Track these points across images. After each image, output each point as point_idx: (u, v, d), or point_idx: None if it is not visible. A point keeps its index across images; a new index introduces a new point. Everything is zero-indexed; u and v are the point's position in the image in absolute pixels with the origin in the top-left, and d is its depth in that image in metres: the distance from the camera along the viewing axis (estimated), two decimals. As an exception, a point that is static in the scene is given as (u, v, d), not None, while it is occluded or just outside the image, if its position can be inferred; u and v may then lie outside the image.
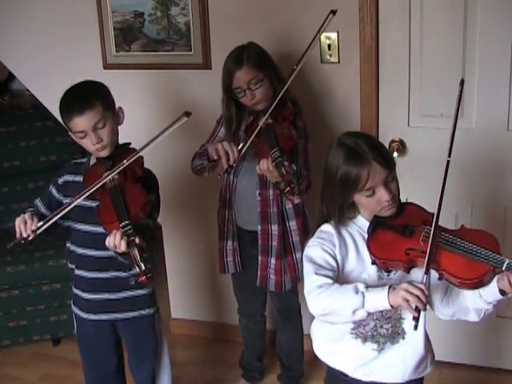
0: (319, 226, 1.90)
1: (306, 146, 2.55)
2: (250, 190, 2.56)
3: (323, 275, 1.75)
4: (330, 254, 1.82)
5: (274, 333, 2.99)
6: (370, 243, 1.82)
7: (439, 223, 1.76)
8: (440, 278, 1.75)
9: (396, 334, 1.89)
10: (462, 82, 1.92)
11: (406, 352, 1.90)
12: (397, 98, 2.76)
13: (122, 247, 1.98)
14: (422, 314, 1.66)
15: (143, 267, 1.99)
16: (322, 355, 2.01)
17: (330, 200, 1.86)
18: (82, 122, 2.12)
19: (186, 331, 3.46)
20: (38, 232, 2.07)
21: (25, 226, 2.06)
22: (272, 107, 2.39)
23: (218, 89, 2.54)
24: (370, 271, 1.84)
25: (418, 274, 1.74)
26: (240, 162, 2.50)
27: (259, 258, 2.62)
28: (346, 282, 1.77)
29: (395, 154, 2.76)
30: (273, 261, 2.60)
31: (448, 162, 1.81)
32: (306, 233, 2.56)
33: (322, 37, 2.67)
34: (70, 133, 2.20)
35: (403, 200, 1.90)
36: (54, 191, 2.30)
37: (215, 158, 2.38)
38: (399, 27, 2.67)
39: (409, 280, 1.70)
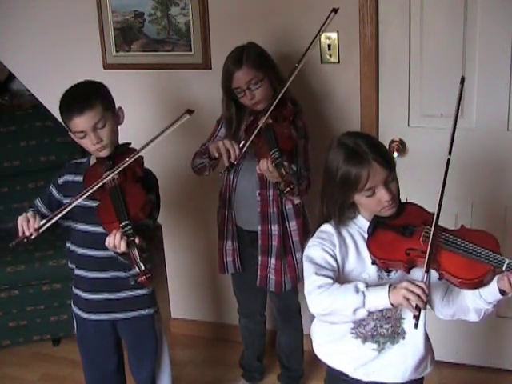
0: (319, 226, 1.90)
1: (306, 146, 2.55)
2: (250, 190, 2.56)
3: (323, 275, 1.75)
4: (330, 254, 1.82)
5: (274, 333, 2.99)
6: (370, 243, 1.82)
7: (439, 223, 1.76)
8: (440, 278, 1.75)
9: (396, 334, 1.89)
10: (463, 80, 1.93)
11: (406, 352, 1.90)
12: (397, 98, 2.76)
13: (122, 247, 1.98)
14: (422, 313, 1.66)
15: (143, 267, 1.99)
16: (322, 355, 2.01)
17: (330, 200, 1.85)
18: (81, 122, 2.12)
19: (186, 331, 3.46)
20: (41, 231, 2.06)
21: (27, 225, 2.05)
22: (272, 107, 2.39)
23: (218, 89, 2.54)
24: (370, 271, 1.84)
25: (418, 273, 1.74)
26: (240, 162, 2.51)
27: (259, 258, 2.62)
28: (346, 281, 1.77)
29: (395, 154, 2.76)
30: (273, 261, 2.60)
31: (448, 160, 1.81)
32: (306, 233, 2.55)
33: (322, 37, 2.67)
34: (69, 133, 2.20)
35: (403, 200, 1.90)
36: (54, 191, 2.30)
37: (216, 155, 2.38)
38: (399, 27, 2.67)
39: (409, 280, 1.70)
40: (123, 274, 2.22)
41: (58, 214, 2.10)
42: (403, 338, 1.89)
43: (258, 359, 3.01)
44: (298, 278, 2.63)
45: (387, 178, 1.79)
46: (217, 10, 2.88)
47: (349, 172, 1.77)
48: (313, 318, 1.96)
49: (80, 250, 2.29)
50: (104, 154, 2.18)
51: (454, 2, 2.59)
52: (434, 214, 1.77)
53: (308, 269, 1.80)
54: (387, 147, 2.74)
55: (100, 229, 2.11)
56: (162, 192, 2.33)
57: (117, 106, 2.25)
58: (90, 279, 2.30)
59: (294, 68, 2.42)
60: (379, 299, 1.65)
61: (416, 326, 1.63)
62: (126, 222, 2.02)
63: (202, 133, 2.70)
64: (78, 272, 2.33)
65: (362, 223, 1.88)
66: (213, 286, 3.33)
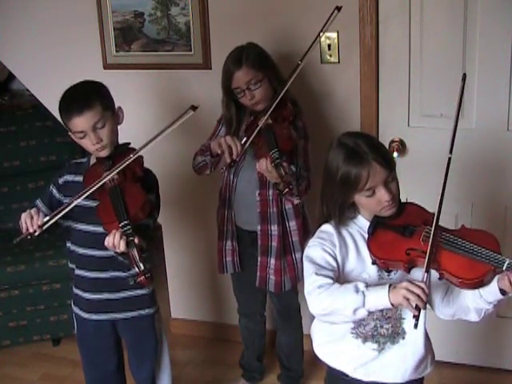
0: (319, 226, 1.90)
1: (306, 146, 2.55)
2: (250, 190, 2.56)
3: (323, 275, 1.75)
4: (330, 254, 1.82)
5: (274, 333, 2.99)
6: (370, 243, 1.82)
7: (439, 223, 1.76)
8: (440, 278, 1.75)
9: (396, 334, 1.89)
10: (464, 77, 1.93)
11: (406, 352, 1.90)
12: (397, 97, 2.76)
13: (121, 247, 1.99)
14: (422, 313, 1.66)
15: (142, 267, 1.99)
16: (323, 355, 2.01)
17: (330, 200, 1.85)
18: (81, 122, 2.12)
19: (186, 331, 3.46)
20: (45, 227, 2.06)
21: (31, 222, 2.05)
22: (272, 107, 2.39)
23: (218, 89, 2.54)
24: (371, 271, 1.84)
25: (418, 273, 1.73)
26: (240, 162, 2.51)
27: (258, 259, 2.62)
28: (347, 281, 1.77)
29: (395, 154, 2.76)
30: (272, 261, 2.60)
31: (449, 158, 1.81)
32: (306, 233, 2.55)
33: (322, 37, 2.66)
34: (69, 133, 2.20)
35: (403, 200, 1.90)
36: (54, 191, 2.30)
37: (219, 151, 2.38)
38: (399, 27, 2.67)
39: (409, 280, 1.70)
40: (123, 274, 2.22)
41: (61, 211, 2.10)
42: (403, 337, 1.89)
43: (258, 359, 3.01)
44: (297, 278, 2.63)
45: (387, 178, 1.79)
46: (217, 9, 2.88)
47: (349, 172, 1.77)
48: (313, 318, 1.96)
49: (81, 250, 2.29)
50: (104, 153, 2.18)
51: (454, 2, 2.59)
52: (434, 214, 1.77)
53: (308, 269, 1.80)
54: (387, 147, 2.74)
55: (101, 229, 2.11)
56: (162, 192, 2.33)
57: (116, 106, 2.25)
58: (91, 279, 2.30)
59: (297, 65, 2.43)
60: (379, 299, 1.65)
61: (416, 326, 1.63)
62: (126, 221, 2.03)
63: (202, 133, 2.70)
64: (78, 272, 2.33)
65: (362, 223, 1.88)
66: (213, 285, 3.33)
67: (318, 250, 1.83)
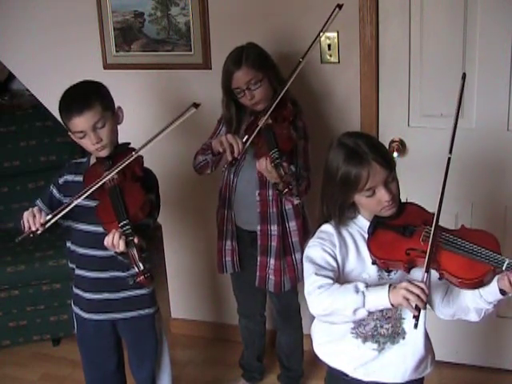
0: (319, 226, 1.90)
1: (306, 146, 2.55)
2: (250, 190, 2.56)
3: (323, 275, 1.75)
4: (330, 255, 1.82)
5: (273, 333, 2.99)
6: (370, 243, 1.82)
7: (439, 223, 1.76)
8: (440, 278, 1.75)
9: (396, 334, 1.89)
10: (464, 76, 1.93)
11: (406, 352, 1.90)
12: (397, 98, 2.76)
13: (121, 247, 1.99)
14: (422, 313, 1.66)
15: (142, 267, 1.99)
16: (323, 355, 2.01)
17: (330, 200, 1.85)
18: (81, 122, 2.12)
19: (186, 331, 3.46)
20: (47, 226, 2.06)
21: (33, 220, 2.05)
22: (272, 107, 2.39)
23: (218, 89, 2.54)
24: (371, 271, 1.84)
25: (418, 273, 1.73)
26: (241, 162, 2.51)
27: (258, 258, 2.62)
28: (347, 282, 1.77)
29: (395, 154, 2.76)
30: (272, 261, 2.60)
31: (449, 158, 1.81)
32: (306, 233, 2.55)
33: (322, 37, 2.66)
34: (69, 133, 2.20)
35: (403, 200, 1.90)
36: (54, 191, 2.29)
37: (220, 150, 2.38)
38: (399, 27, 2.67)
39: (409, 280, 1.70)
40: (123, 274, 2.22)
41: (63, 209, 2.09)
42: (403, 337, 1.89)
43: (258, 359, 3.01)
44: (297, 279, 2.63)
45: (387, 178, 1.79)
46: (217, 9, 2.88)
47: (349, 172, 1.77)
48: (313, 318, 1.96)
49: (81, 250, 2.29)
50: (104, 153, 2.18)
51: (454, 2, 2.59)
52: (434, 214, 1.77)
53: (308, 269, 1.80)
54: (387, 147, 2.74)
55: (101, 228, 2.11)
56: (162, 192, 2.33)
57: (116, 106, 2.25)
58: (91, 279, 2.30)
59: (298, 63, 2.43)
60: (379, 299, 1.65)
61: (416, 326, 1.63)
62: (125, 221, 2.03)
63: (202, 133, 2.70)
64: (78, 272, 2.33)
65: (362, 223, 1.88)
66: (213, 285, 3.33)
67: (317, 250, 1.83)
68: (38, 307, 3.33)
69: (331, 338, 1.96)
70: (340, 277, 1.81)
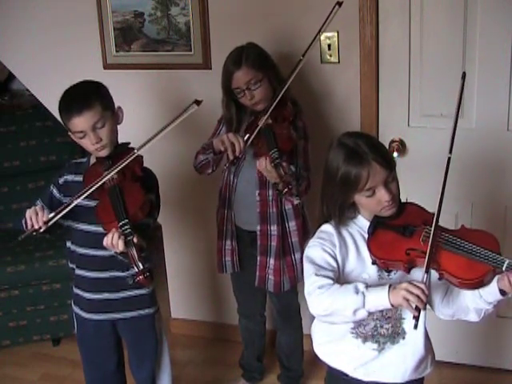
0: (319, 226, 1.90)
1: (306, 146, 2.55)
2: (250, 190, 2.56)
3: (323, 276, 1.75)
4: (330, 255, 1.82)
5: (273, 333, 2.99)
6: (370, 243, 1.82)
7: (439, 223, 1.76)
8: (440, 278, 1.75)
9: (396, 334, 1.89)
10: (464, 76, 1.93)
11: (406, 352, 1.90)
12: (397, 98, 2.76)
13: (120, 247, 1.99)
14: (422, 313, 1.65)
15: (141, 266, 1.99)
16: (323, 355, 2.01)
17: (330, 200, 1.85)
18: (81, 122, 2.12)
19: (186, 331, 3.46)
20: (50, 224, 2.06)
21: (36, 218, 2.05)
22: (272, 107, 2.39)
23: (218, 89, 2.54)
24: (371, 271, 1.84)
25: (418, 273, 1.73)
26: (241, 162, 2.51)
27: (258, 258, 2.62)
28: (347, 282, 1.77)
29: (395, 154, 2.76)
30: (272, 261, 2.60)
31: (449, 158, 1.80)
32: (306, 233, 2.56)
33: (322, 37, 2.67)
34: (69, 133, 2.20)
35: (403, 200, 1.90)
36: (54, 191, 2.29)
37: (222, 149, 2.38)
38: (399, 27, 2.67)
39: (409, 280, 1.70)
40: (123, 274, 2.22)
41: (65, 208, 2.09)
42: (403, 337, 1.89)
43: (258, 359, 3.01)
44: (296, 279, 2.63)
45: (387, 178, 1.79)
46: (217, 9, 2.88)
47: (349, 172, 1.77)
48: (313, 318, 1.96)
49: (82, 250, 2.29)
50: (103, 153, 2.18)
51: (454, 2, 2.59)
52: (434, 214, 1.77)
53: (308, 269, 1.80)
54: (387, 147, 2.74)
55: (101, 228, 2.11)
56: (162, 192, 2.33)
57: (116, 106, 2.25)
58: (91, 279, 2.30)
59: (299, 61, 2.43)
60: (379, 300, 1.65)
61: (415, 326, 1.63)
62: (125, 221, 2.03)
63: (202, 133, 2.70)
64: (78, 272, 2.33)
65: (362, 223, 1.88)
66: (213, 285, 3.33)
67: (317, 250, 1.83)
68: (38, 307, 3.33)
69: (331, 337, 1.96)
70: (340, 277, 1.81)
